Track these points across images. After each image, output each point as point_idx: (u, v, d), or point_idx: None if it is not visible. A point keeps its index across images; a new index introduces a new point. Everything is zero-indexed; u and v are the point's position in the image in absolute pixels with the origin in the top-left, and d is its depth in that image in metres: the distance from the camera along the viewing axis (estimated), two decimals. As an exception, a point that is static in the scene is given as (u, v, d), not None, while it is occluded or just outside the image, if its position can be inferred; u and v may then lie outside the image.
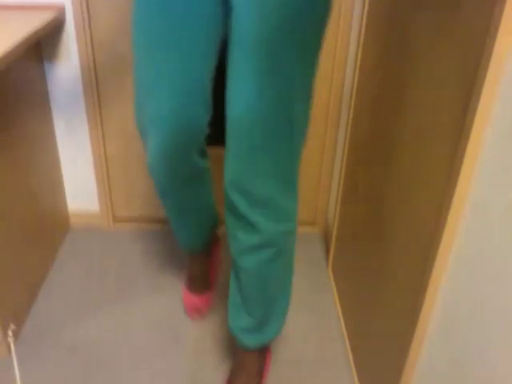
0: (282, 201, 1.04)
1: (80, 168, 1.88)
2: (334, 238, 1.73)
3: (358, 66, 1.44)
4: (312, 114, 1.82)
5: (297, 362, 1.47)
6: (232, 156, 1.01)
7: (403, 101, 1.09)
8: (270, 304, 1.20)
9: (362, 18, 1.40)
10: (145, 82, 1.04)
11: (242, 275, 1.15)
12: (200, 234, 1.39)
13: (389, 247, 1.16)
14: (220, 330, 1.56)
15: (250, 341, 1.26)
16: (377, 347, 1.24)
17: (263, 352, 1.33)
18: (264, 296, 1.17)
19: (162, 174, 1.13)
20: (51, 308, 1.61)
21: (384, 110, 1.22)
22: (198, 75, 1.02)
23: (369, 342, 1.31)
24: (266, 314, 1.21)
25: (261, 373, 1.32)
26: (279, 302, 1.21)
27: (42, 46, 1.66)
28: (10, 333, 1.40)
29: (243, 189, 1.02)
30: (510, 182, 0.71)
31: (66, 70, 1.70)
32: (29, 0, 1.58)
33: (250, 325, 1.22)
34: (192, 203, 1.26)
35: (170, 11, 0.98)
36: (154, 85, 1.02)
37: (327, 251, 1.89)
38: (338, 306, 1.64)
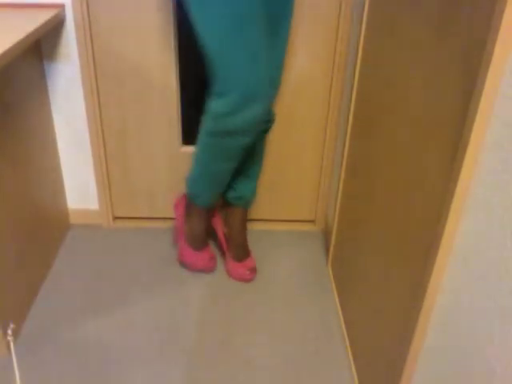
0: None
1: (80, 167, 1.88)
2: (333, 237, 1.73)
3: (358, 65, 1.44)
4: (312, 113, 1.82)
5: (296, 360, 1.47)
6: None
7: (404, 100, 1.09)
8: (260, 166, 1.72)
9: (362, 18, 1.40)
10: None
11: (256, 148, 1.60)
12: (225, 186, 1.65)
13: (389, 246, 1.17)
14: (220, 329, 1.56)
15: (254, 198, 1.74)
16: (377, 346, 1.24)
17: None
18: (261, 160, 1.70)
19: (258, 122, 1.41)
20: (51, 307, 1.61)
21: (384, 110, 1.22)
22: None
23: (369, 341, 1.31)
24: (259, 174, 1.72)
25: None
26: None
27: (42, 45, 1.66)
28: (9, 332, 1.40)
29: (277, 85, 1.55)
30: (510, 181, 0.71)
31: (66, 69, 1.70)
32: (28, -1, 1.58)
33: (254, 187, 1.71)
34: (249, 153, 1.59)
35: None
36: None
37: (327, 249, 1.89)
38: (338, 304, 1.65)
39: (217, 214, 1.79)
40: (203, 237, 1.75)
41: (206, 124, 1.44)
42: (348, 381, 1.42)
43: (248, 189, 1.70)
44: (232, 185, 1.68)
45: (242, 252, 1.76)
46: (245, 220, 1.77)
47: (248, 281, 1.75)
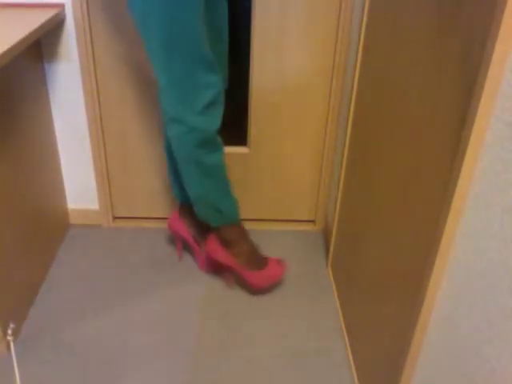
0: None
1: (80, 167, 1.88)
2: (333, 237, 1.73)
3: (358, 65, 1.44)
4: (312, 113, 1.82)
5: (296, 360, 1.47)
6: None
7: (404, 100, 1.09)
8: None
9: (362, 18, 1.40)
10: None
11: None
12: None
13: (388, 246, 1.16)
14: (220, 329, 1.56)
15: None
16: (377, 346, 1.24)
17: None
18: None
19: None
20: (51, 307, 1.61)
21: (385, 109, 1.22)
22: None
23: (369, 341, 1.31)
24: None
25: None
26: None
27: (42, 45, 1.66)
28: (9, 331, 1.40)
29: None
30: (510, 181, 0.71)
31: (66, 69, 1.70)
32: (28, -1, 1.58)
33: None
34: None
35: None
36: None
37: (327, 249, 1.89)
38: (338, 304, 1.65)
39: (178, 221, 1.74)
40: (258, 250, 1.67)
41: (188, 144, 1.43)
42: (348, 381, 1.42)
43: None
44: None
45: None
46: None
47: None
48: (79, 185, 1.93)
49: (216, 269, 1.73)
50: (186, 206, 1.71)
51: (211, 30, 1.40)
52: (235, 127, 1.86)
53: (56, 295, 1.66)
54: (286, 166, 1.91)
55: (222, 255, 1.64)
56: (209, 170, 1.48)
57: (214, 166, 1.49)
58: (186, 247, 1.84)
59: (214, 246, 1.65)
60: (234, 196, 1.59)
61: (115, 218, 2.01)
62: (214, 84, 1.37)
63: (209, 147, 1.44)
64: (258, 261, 1.65)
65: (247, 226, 1.99)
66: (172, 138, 1.43)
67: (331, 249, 1.77)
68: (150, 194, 1.96)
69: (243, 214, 2.00)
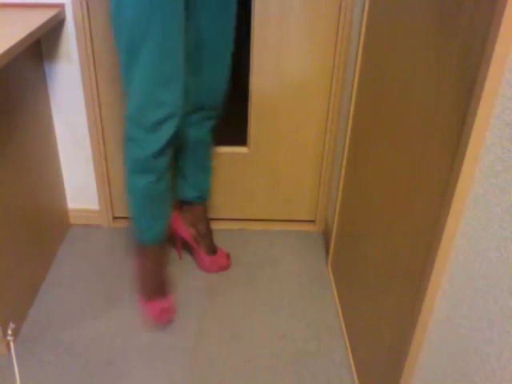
0: None
1: (80, 167, 1.88)
2: (333, 237, 1.73)
3: (358, 65, 1.44)
4: (312, 113, 1.82)
5: (296, 360, 1.47)
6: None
7: (404, 100, 1.09)
8: (212, 158, 1.73)
9: (362, 18, 1.40)
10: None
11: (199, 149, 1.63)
12: (167, 216, 1.57)
13: (388, 246, 1.17)
14: (220, 329, 1.56)
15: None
16: (377, 346, 1.24)
17: None
18: (211, 152, 1.72)
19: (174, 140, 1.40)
20: (51, 307, 1.61)
21: (384, 110, 1.22)
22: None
23: (368, 340, 1.31)
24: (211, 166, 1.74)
25: None
26: None
27: (42, 45, 1.66)
28: (9, 331, 1.40)
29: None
30: (510, 181, 0.71)
31: (66, 69, 1.70)
32: (28, -1, 1.58)
33: (210, 180, 1.74)
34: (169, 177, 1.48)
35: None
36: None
37: (327, 249, 1.89)
38: (338, 304, 1.65)
39: (178, 220, 1.73)
40: (160, 284, 1.59)
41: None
42: (348, 381, 1.42)
43: (207, 184, 1.71)
44: (195, 185, 1.67)
45: (213, 244, 1.78)
46: (207, 213, 1.78)
47: (228, 268, 1.77)
48: (79, 185, 1.92)
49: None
50: (185, 206, 1.72)
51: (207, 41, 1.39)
52: (235, 127, 1.86)
53: (56, 295, 1.66)
54: (285, 166, 1.91)
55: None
56: (129, 188, 1.44)
57: (133, 189, 1.43)
58: (184, 246, 1.84)
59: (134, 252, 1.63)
60: (157, 221, 1.53)
61: (115, 218, 2.01)
62: (168, 104, 1.31)
63: (140, 167, 1.38)
64: (153, 293, 1.57)
65: (247, 226, 2.00)
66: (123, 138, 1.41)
67: (331, 249, 1.77)
68: (150, 193, 1.96)
69: (243, 214, 2.01)
